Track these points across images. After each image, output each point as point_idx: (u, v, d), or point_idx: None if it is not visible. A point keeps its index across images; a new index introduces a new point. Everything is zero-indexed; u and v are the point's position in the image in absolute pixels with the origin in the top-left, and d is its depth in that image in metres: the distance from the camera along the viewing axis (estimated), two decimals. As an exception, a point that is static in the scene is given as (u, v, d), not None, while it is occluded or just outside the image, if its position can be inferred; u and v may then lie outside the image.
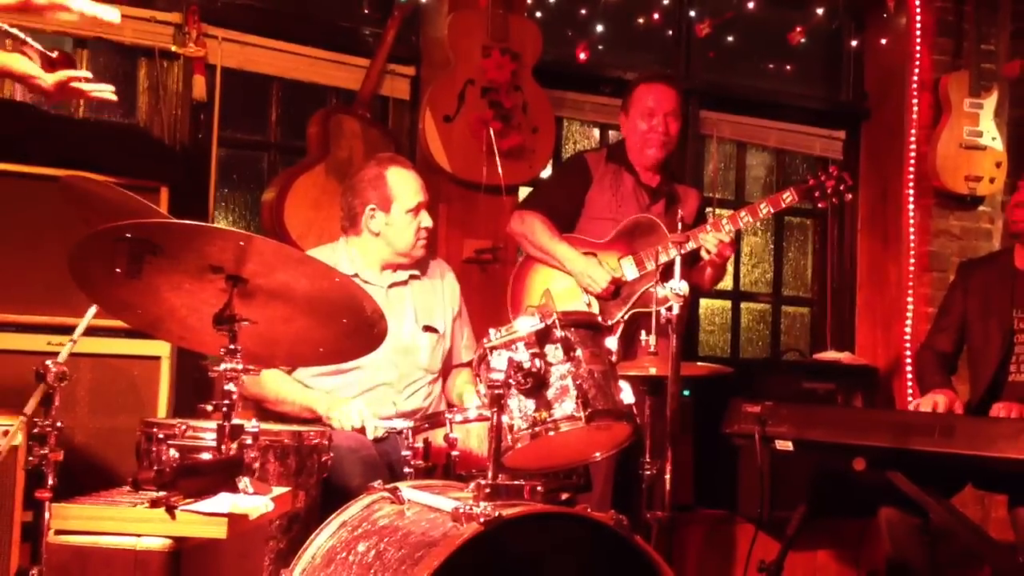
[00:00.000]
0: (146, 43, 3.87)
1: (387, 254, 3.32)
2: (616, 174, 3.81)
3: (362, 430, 2.96)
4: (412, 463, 2.72)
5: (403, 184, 3.30)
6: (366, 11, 4.42)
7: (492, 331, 2.55)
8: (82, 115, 3.88)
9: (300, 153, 4.09)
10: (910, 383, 4.70)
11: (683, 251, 3.03)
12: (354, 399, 3.08)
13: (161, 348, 3.40)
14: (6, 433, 2.77)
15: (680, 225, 3.03)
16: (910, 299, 4.94)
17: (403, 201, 3.28)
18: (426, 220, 3.31)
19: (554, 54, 4.47)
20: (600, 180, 3.80)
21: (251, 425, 2.25)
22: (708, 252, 3.54)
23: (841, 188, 3.68)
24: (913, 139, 4.99)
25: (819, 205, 3.75)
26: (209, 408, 2.30)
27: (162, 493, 1.83)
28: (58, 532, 1.76)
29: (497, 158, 4.05)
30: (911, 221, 4.99)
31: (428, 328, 3.33)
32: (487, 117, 4.08)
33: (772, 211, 3.69)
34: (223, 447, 2.15)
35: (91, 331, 2.87)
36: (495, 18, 4.12)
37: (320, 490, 2.66)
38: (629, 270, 3.66)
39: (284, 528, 2.51)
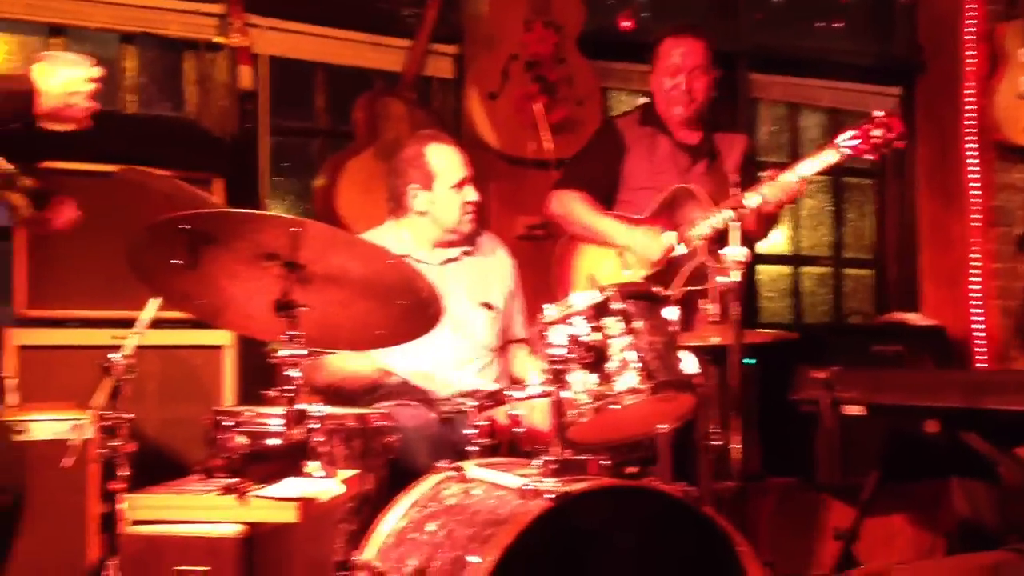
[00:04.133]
0: (191, 36, 3.89)
1: (436, 232, 3.30)
2: (651, 138, 3.64)
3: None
4: (476, 441, 2.71)
5: (443, 160, 3.28)
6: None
7: (549, 306, 2.53)
8: (132, 111, 3.91)
9: (348, 138, 4.09)
10: (980, 341, 4.59)
11: (738, 216, 2.96)
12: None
13: (223, 337, 3.43)
14: (78, 427, 2.81)
15: (734, 184, 2.93)
16: (976, 256, 4.82)
17: (445, 177, 3.26)
18: (471, 194, 3.28)
19: (598, 24, 4.41)
20: (634, 146, 3.63)
21: (316, 409, 2.26)
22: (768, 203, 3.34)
23: (891, 137, 3.41)
24: (971, 92, 4.86)
25: (870, 157, 3.49)
26: (273, 394, 2.31)
27: (233, 480, 1.84)
28: (132, 522, 1.77)
29: (544, 132, 4.01)
30: (974, 176, 4.86)
31: (484, 304, 3.31)
32: (532, 92, 4.05)
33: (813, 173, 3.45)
34: (290, 432, 2.15)
35: (153, 323, 2.89)
36: (536, -9, 4.08)
37: (387, 471, 2.67)
38: (676, 246, 3.50)
39: (354, 510, 2.52)
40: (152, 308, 2.64)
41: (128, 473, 2.47)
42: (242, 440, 2.28)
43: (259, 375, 3.55)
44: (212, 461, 1.98)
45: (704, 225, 3.38)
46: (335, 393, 3.19)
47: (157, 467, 2.79)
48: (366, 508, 2.54)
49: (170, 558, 1.71)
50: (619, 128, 3.69)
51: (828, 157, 3.29)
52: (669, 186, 3.54)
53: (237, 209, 2.24)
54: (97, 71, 2.18)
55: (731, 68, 4.74)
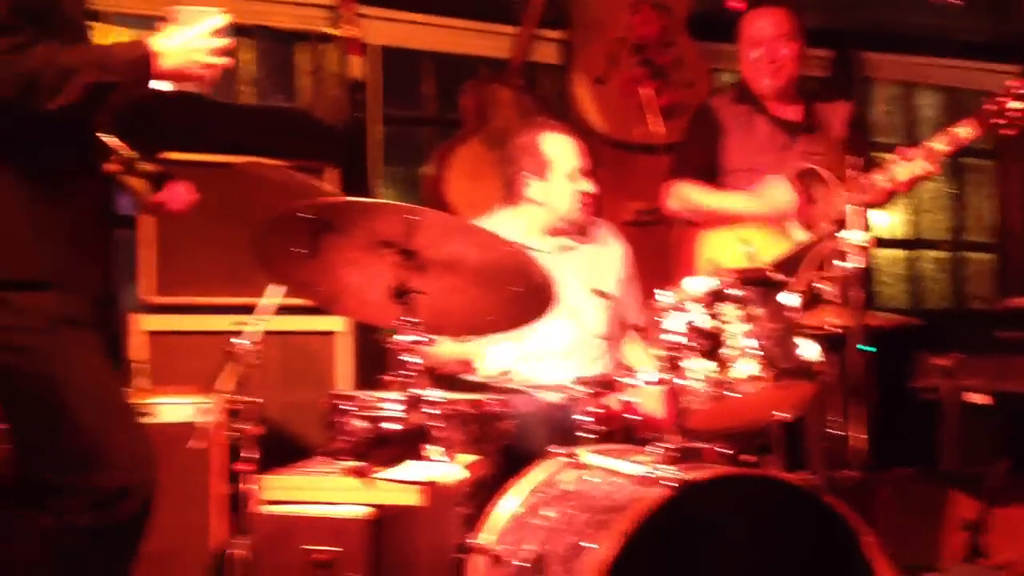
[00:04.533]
0: (304, 27, 3.96)
1: (548, 220, 3.30)
2: (747, 116, 3.51)
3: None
4: (590, 428, 2.70)
5: (559, 149, 3.27)
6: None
7: (663, 292, 2.50)
8: (248, 102, 4.01)
9: (456, 126, 4.12)
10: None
11: (865, 198, 2.84)
12: (498, 344, 3.09)
13: (338, 323, 3.50)
14: (204, 410, 2.90)
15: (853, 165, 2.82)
16: (1105, 238, 4.62)
17: (560, 166, 3.26)
18: (586, 184, 3.27)
19: (706, 4, 4.35)
20: (731, 127, 3.51)
21: (433, 394, 2.29)
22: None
23: None
24: (1095, 67, 4.64)
25: (1003, 132, 3.31)
26: (391, 379, 2.35)
27: (357, 463, 1.88)
28: (265, 503, 1.82)
29: (653, 117, 3.97)
30: (1102, 154, 4.65)
31: (598, 292, 3.30)
32: (640, 75, 4.01)
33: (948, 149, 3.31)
34: (408, 417, 2.19)
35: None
36: (643, -27, 4.04)
37: (501, 456, 2.68)
38: (796, 232, 3.36)
39: (470, 494, 2.54)
40: (274, 295, 2.70)
41: (254, 455, 2.54)
42: (360, 424, 2.33)
43: (373, 360, 3.63)
44: (335, 444, 2.02)
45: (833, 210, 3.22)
46: (441, 379, 3.23)
47: (275, 449, 2.87)
48: (481, 492, 2.56)
49: (300, 538, 1.76)
50: (714, 109, 3.58)
51: (964, 132, 3.16)
52: (767, 167, 3.42)
53: (355, 198, 2.28)
54: (221, 23, 2.11)
55: (843, 47, 4.62)
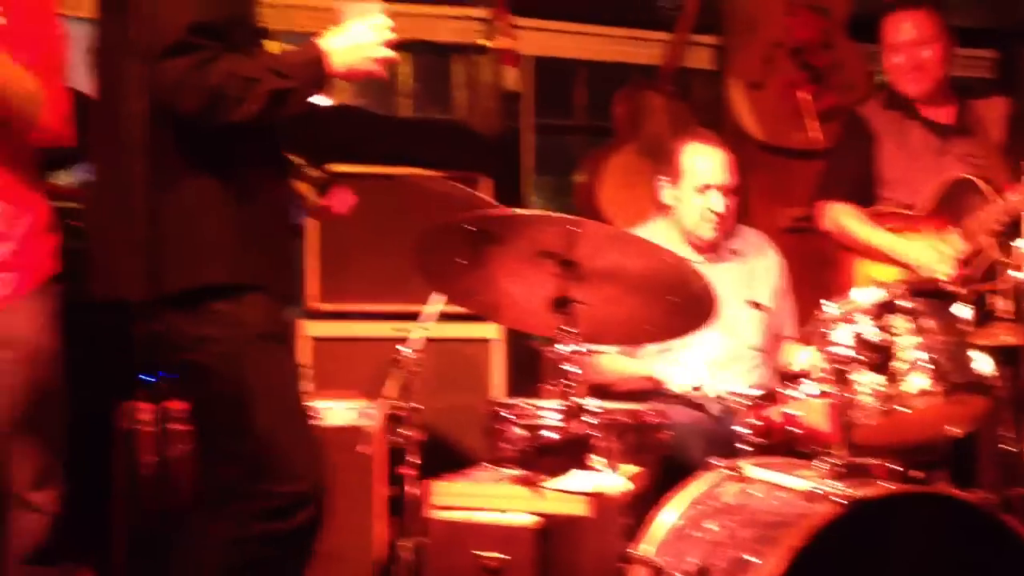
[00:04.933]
0: (460, 40, 4.05)
1: (680, 230, 3.27)
2: (899, 122, 3.37)
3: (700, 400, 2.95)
4: (750, 440, 2.66)
5: (695, 159, 3.22)
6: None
7: (829, 303, 2.45)
8: (405, 114, 4.12)
9: (609, 134, 4.13)
10: None
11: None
12: (689, 357, 3.07)
13: (492, 331, 3.56)
14: (368, 415, 3.00)
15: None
16: None
17: (691, 177, 3.21)
18: (716, 203, 3.18)
19: (866, 6, 4.22)
20: (883, 134, 3.37)
21: (593, 404, 2.31)
22: None
23: None
24: None
25: None
26: (552, 388, 2.38)
27: (524, 471, 1.91)
28: (436, 508, 1.87)
29: (811, 122, 3.89)
30: None
31: (753, 304, 3.25)
32: (797, 79, 3.93)
33: None
34: (568, 426, 2.21)
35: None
36: (800, -24, 3.96)
37: (660, 467, 2.68)
38: (956, 243, 3.14)
39: (629, 505, 2.55)
40: (436, 304, 2.77)
41: (417, 460, 2.61)
42: (521, 432, 2.37)
43: (526, 367, 3.68)
44: (500, 452, 2.06)
45: (992, 220, 3.05)
46: (603, 392, 3.23)
47: (431, 453, 2.94)
48: (640, 503, 2.56)
49: (471, 543, 1.80)
50: (864, 117, 3.44)
51: None
52: (925, 175, 3.28)
53: (518, 210, 2.32)
54: (388, 22, 2.10)
55: (1007, 47, 4.42)
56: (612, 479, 1.95)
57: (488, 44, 4.00)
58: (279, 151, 2.17)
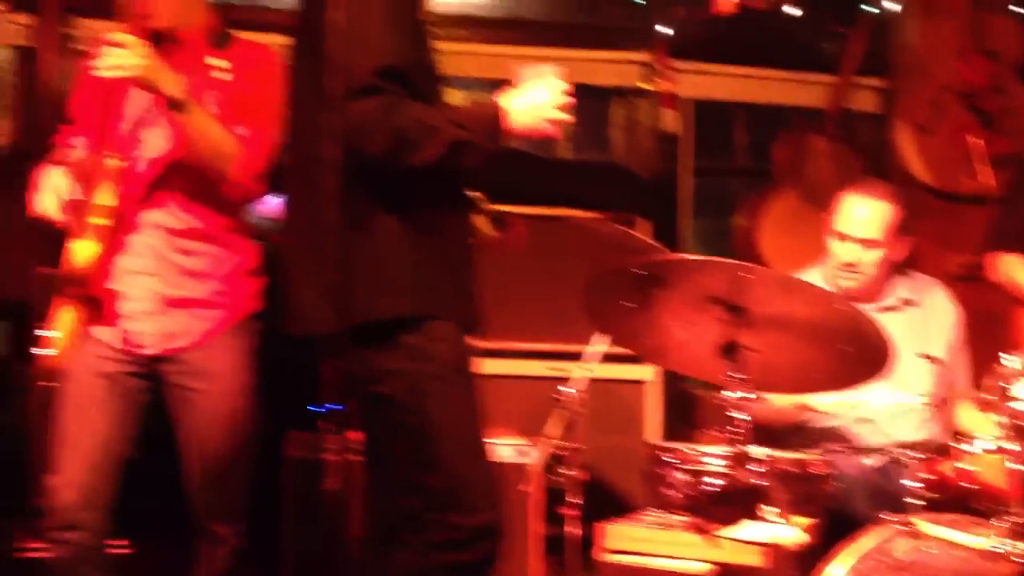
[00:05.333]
0: (619, 83, 4.09)
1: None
2: None
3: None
4: (921, 495, 2.58)
5: (845, 208, 3.14)
6: (828, 26, 4.33)
7: (1010, 356, 2.35)
8: (564, 156, 4.17)
9: (768, 177, 4.09)
10: None
11: None
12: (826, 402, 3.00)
13: (647, 372, 3.55)
14: (526, 452, 3.03)
15: None
16: None
17: (835, 224, 3.14)
18: (845, 254, 3.07)
19: (1041, 48, 4.09)
20: None
21: (760, 452, 2.28)
22: None
23: None
24: None
25: None
26: (717, 433, 2.36)
27: (697, 518, 1.90)
28: (609, 551, 1.88)
29: (982, 167, 3.77)
30: None
31: (925, 356, 3.14)
32: (967, 124, 3.82)
33: None
34: (736, 473, 2.19)
35: (580, 356, 3.05)
36: (971, 19, 3.86)
37: (825, 518, 2.61)
38: None
39: (795, 557, 2.50)
40: (599, 344, 2.79)
41: (578, 500, 2.63)
42: (683, 477, 2.36)
43: (681, 411, 3.66)
44: (664, 496, 2.05)
45: None
46: (759, 431, 3.18)
47: (588, 495, 2.95)
48: (807, 555, 2.51)
49: (643, 589, 1.80)
50: None
51: None
52: None
53: (688, 255, 2.33)
54: (564, 85, 2.12)
55: None
56: (786, 530, 1.92)
57: (647, 87, 4.03)
58: (461, 187, 2.23)
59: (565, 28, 4.05)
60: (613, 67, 4.08)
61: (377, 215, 2.04)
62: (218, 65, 2.53)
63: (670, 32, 3.99)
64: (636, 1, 4.04)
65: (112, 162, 2.43)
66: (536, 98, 2.09)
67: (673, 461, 2.53)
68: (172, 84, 2.36)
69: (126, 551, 2.61)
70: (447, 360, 2.06)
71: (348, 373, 2.06)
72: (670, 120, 4.01)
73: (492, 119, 2.07)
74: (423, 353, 2.01)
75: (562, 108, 2.11)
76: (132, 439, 2.53)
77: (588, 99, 4.21)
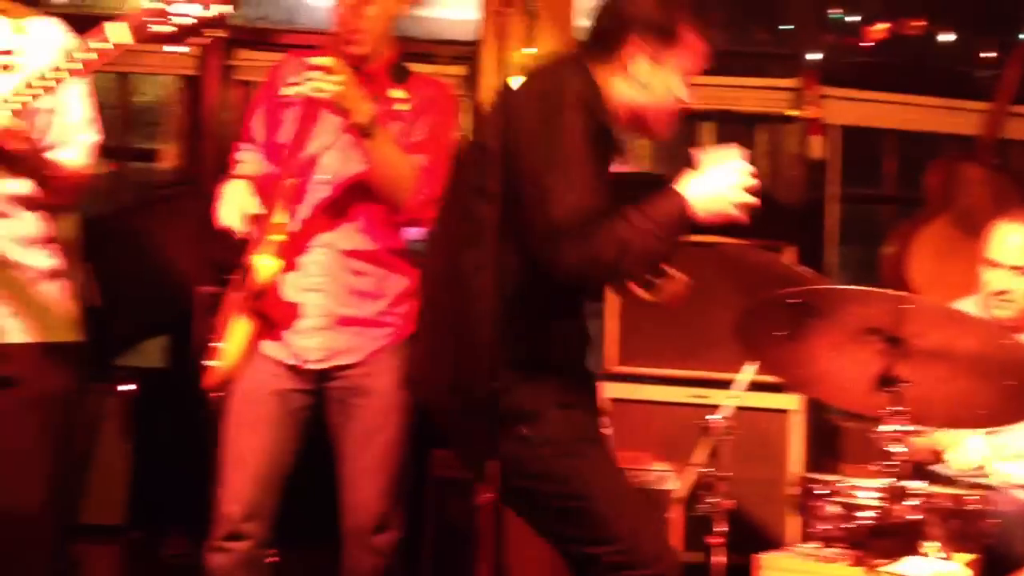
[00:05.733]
0: (765, 110, 4.07)
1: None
2: None
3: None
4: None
5: (997, 235, 3.04)
6: (982, 54, 4.22)
7: None
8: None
9: (917, 205, 4.00)
10: None
11: None
12: (972, 437, 2.90)
13: (791, 402, 3.49)
14: (666, 478, 3.02)
15: None
16: None
17: (988, 252, 3.03)
18: (997, 282, 2.97)
19: None
20: None
21: (918, 486, 2.23)
22: None
23: None
24: None
25: None
26: (867, 466, 2.33)
27: (859, 551, 1.88)
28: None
29: None
30: None
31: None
32: None
33: None
34: (890, 508, 2.15)
35: (724, 384, 3.03)
36: None
37: (982, 557, 2.53)
38: None
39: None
40: (748, 372, 2.77)
41: (724, 529, 2.61)
42: (835, 510, 2.32)
43: (823, 442, 3.59)
44: (815, 529, 2.03)
45: None
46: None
47: (732, 524, 2.92)
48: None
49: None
50: None
51: None
52: None
53: (845, 286, 2.30)
54: (749, 167, 2.08)
55: None
56: (950, 566, 1.87)
57: (795, 113, 4.00)
58: None
59: (712, 55, 4.05)
60: (760, 94, 4.06)
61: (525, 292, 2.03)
62: (398, 97, 2.62)
63: (819, 58, 3.96)
64: (784, 27, 4.01)
65: (290, 181, 2.54)
66: (720, 182, 2.04)
67: (824, 493, 2.50)
68: (365, 110, 2.45)
69: (274, 559, 2.69)
70: (587, 436, 2.10)
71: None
72: (817, 147, 3.96)
73: (680, 216, 2.02)
74: (543, 441, 2.02)
75: (748, 190, 2.06)
76: (295, 454, 2.61)
77: (734, 126, 4.22)
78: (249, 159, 2.70)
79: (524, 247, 1.99)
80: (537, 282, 2.02)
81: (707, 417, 2.72)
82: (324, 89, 2.39)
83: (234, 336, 2.53)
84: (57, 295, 2.33)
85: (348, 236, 2.60)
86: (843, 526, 2.10)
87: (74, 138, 2.35)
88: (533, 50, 3.62)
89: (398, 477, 2.63)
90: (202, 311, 2.89)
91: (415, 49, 3.99)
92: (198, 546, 2.60)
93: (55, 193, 2.32)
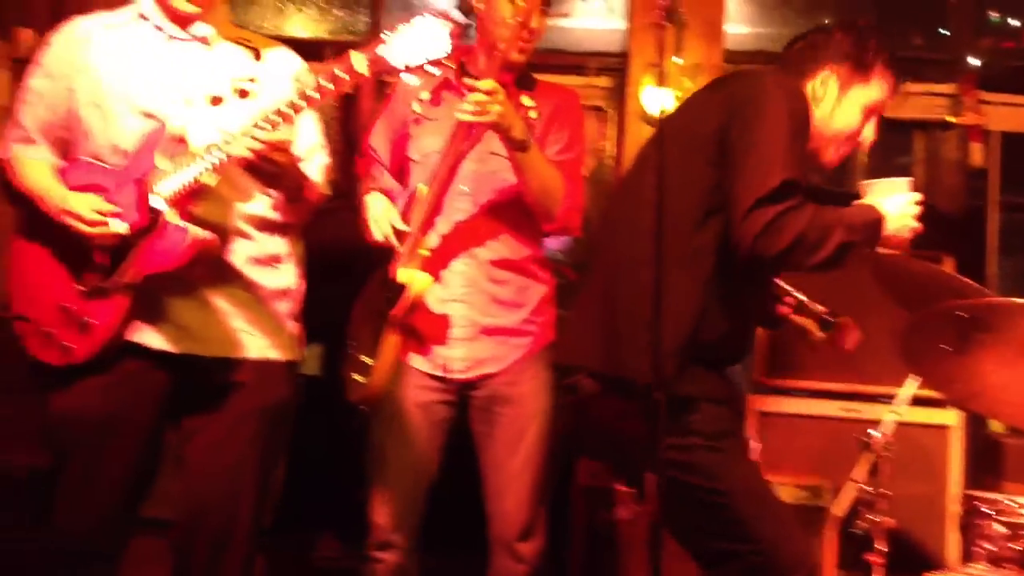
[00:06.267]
0: (922, 116, 3.94)
1: None
2: None
3: None
4: None
5: None
6: None
7: None
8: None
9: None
10: None
11: None
12: None
13: (951, 417, 3.37)
14: (817, 494, 2.96)
15: None
16: None
17: None
18: None
19: None
20: None
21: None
22: None
23: None
24: None
25: None
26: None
27: (1013, 572, 1.81)
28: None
29: None
30: None
31: None
32: None
33: None
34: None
35: (880, 398, 2.93)
36: None
37: None
38: None
39: None
40: (911, 387, 2.69)
41: (884, 548, 2.54)
42: (1002, 529, 2.24)
43: (982, 458, 3.44)
44: (981, 549, 1.96)
45: None
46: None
47: (891, 543, 2.83)
48: None
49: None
50: None
51: None
52: None
53: (1018, 300, 2.22)
54: (917, 196, 2.18)
55: None
56: None
57: (954, 120, 3.86)
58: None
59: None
60: (917, 99, 3.93)
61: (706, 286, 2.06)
62: (529, 105, 2.64)
63: (978, 63, 3.82)
64: (942, 32, 3.89)
65: (425, 192, 2.55)
66: (905, 208, 2.14)
67: (990, 512, 2.42)
68: (520, 126, 2.46)
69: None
70: (730, 432, 2.11)
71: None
72: (977, 154, 3.82)
73: (876, 224, 2.10)
74: (689, 430, 2.02)
75: (916, 217, 2.15)
76: (439, 463, 2.65)
77: (890, 133, 4.09)
78: (380, 175, 2.73)
79: (718, 236, 2.04)
80: (727, 275, 2.06)
81: (868, 432, 2.65)
82: (486, 112, 2.39)
83: (385, 351, 2.53)
84: (286, 314, 2.38)
85: (490, 246, 2.62)
86: (1011, 546, 2.01)
87: (311, 160, 2.39)
88: (681, 60, 3.63)
89: (542, 484, 2.64)
90: (358, 321, 2.94)
91: (560, 61, 4.04)
92: (349, 551, 2.66)
93: (299, 211, 2.38)
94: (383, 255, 2.58)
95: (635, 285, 2.00)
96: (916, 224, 2.13)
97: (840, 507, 2.82)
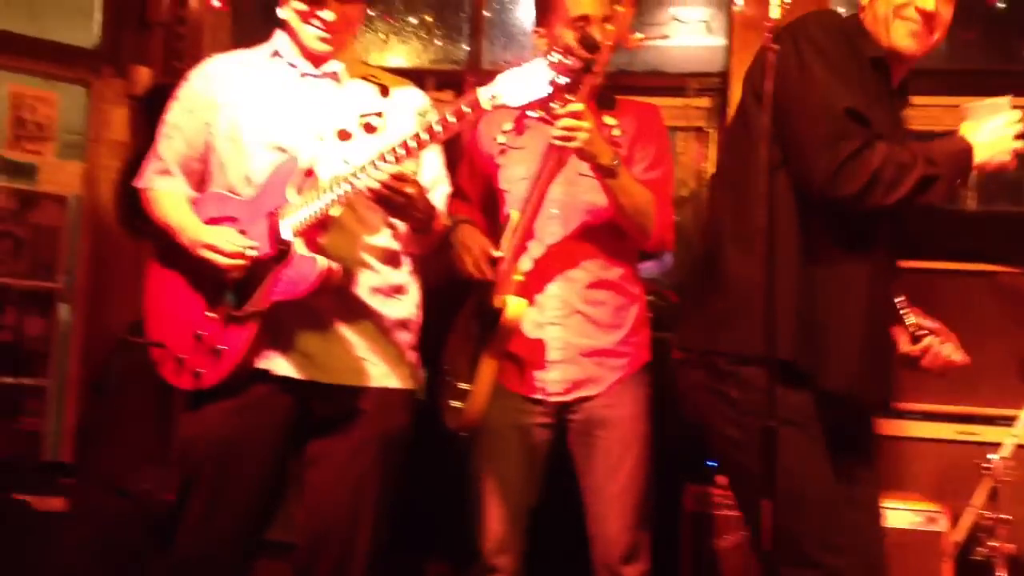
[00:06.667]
0: None
1: None
2: None
3: None
4: None
5: None
6: None
7: None
8: (972, 208, 3.95)
9: None
10: None
11: None
12: None
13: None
14: (933, 519, 2.89)
15: None
16: None
17: None
18: None
19: None
20: None
21: None
22: None
23: None
24: None
25: None
26: None
27: None
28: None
29: None
30: None
31: None
32: None
33: None
34: None
35: (998, 420, 2.84)
36: None
37: None
38: None
39: None
40: (1032, 410, 2.63)
41: (1006, 575, 2.48)
42: None
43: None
44: None
45: None
46: None
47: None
48: None
49: None
50: None
51: None
52: None
53: None
54: (1019, 114, 2.07)
55: None
56: None
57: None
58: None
59: (977, 75, 3.85)
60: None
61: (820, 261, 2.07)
62: (611, 124, 2.65)
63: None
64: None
65: (516, 216, 2.56)
66: (999, 131, 2.05)
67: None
68: (608, 152, 2.47)
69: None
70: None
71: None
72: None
73: (963, 154, 2.04)
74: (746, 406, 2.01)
75: (1018, 137, 2.06)
76: (538, 487, 2.67)
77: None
78: (471, 210, 2.77)
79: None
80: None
81: (989, 457, 2.59)
82: (575, 137, 2.39)
83: (482, 377, 2.53)
84: (406, 344, 2.42)
85: (583, 267, 2.63)
86: None
87: (435, 190, 2.42)
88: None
89: (643, 507, 2.63)
90: (453, 349, 2.95)
91: (660, 83, 4.02)
92: (457, 572, 2.68)
93: (425, 242, 2.42)
94: (476, 284, 2.61)
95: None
96: (1017, 144, 2.04)
97: (959, 533, 2.75)
